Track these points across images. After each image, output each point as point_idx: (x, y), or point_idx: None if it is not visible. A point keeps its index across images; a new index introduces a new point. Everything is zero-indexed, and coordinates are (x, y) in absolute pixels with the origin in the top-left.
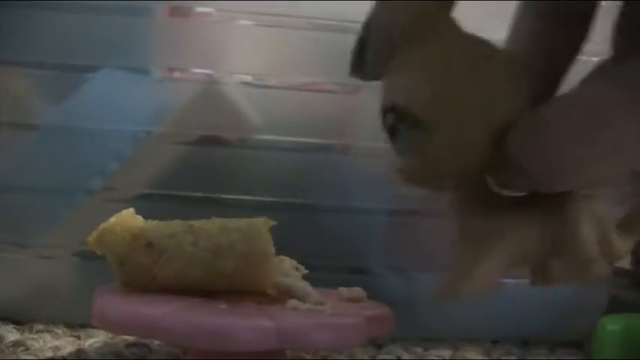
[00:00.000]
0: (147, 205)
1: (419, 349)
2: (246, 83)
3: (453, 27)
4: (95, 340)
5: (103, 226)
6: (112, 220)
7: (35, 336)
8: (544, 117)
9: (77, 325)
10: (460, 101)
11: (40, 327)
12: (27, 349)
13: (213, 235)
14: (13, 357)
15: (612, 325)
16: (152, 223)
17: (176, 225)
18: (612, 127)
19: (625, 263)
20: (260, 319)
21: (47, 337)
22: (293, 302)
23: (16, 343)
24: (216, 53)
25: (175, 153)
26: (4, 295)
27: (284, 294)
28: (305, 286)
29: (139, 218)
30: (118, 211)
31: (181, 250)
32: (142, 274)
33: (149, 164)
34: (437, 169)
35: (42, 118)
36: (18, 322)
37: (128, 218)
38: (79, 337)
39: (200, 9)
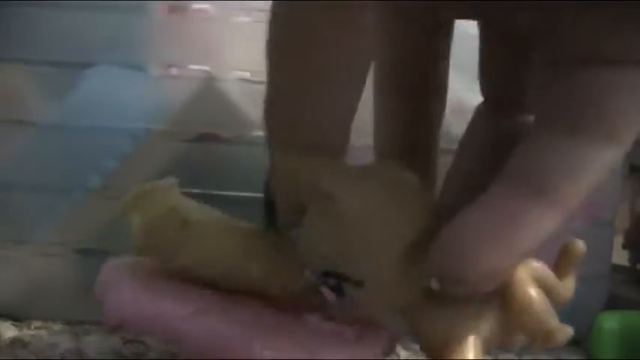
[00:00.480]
0: None
1: (416, 347)
2: (244, 80)
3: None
4: (93, 337)
5: (140, 189)
6: (151, 187)
7: (33, 333)
8: (461, 228)
9: (75, 322)
10: (379, 244)
11: (38, 324)
12: (25, 346)
13: (247, 236)
14: (11, 354)
15: (610, 323)
16: (191, 202)
17: (216, 214)
18: (524, 225)
19: (623, 260)
20: (286, 340)
21: (45, 334)
22: (312, 318)
23: (14, 340)
24: (214, 50)
25: (174, 150)
26: (2, 293)
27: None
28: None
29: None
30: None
31: (217, 240)
32: (163, 251)
33: (147, 162)
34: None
35: (39, 115)
36: (16, 319)
37: (167, 189)
38: (77, 335)
39: (197, 6)
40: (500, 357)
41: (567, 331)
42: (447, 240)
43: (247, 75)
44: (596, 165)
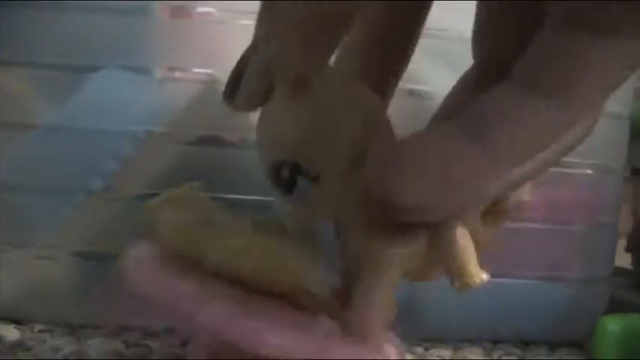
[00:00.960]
0: None
1: (419, 349)
2: None
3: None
4: (96, 340)
5: (170, 193)
6: (180, 191)
7: (35, 336)
8: (403, 151)
9: (77, 325)
10: (338, 143)
11: (41, 327)
12: (27, 349)
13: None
14: (13, 357)
15: (612, 326)
16: (217, 204)
17: (240, 220)
18: (463, 164)
19: (626, 263)
20: (297, 332)
21: (47, 337)
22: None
23: (16, 344)
24: (217, 53)
25: (176, 153)
26: (4, 295)
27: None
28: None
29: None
30: (118, 211)
31: (243, 239)
32: (193, 251)
33: (150, 164)
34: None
35: (42, 118)
36: (18, 322)
37: (195, 191)
38: (79, 337)
39: (201, 9)
40: (503, 359)
41: (483, 277)
42: (381, 153)
43: None
44: (542, 125)
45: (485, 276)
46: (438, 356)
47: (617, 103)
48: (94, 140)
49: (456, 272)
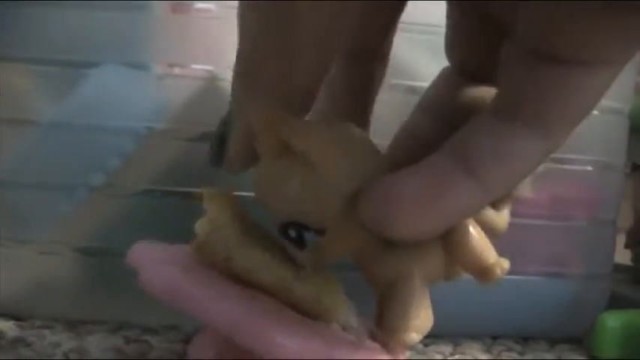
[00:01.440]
0: (148, 201)
1: (419, 345)
2: None
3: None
4: (96, 336)
5: (212, 190)
6: (219, 191)
7: (36, 332)
8: (389, 186)
9: (78, 321)
10: (335, 192)
11: (41, 323)
12: (27, 345)
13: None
14: (14, 353)
15: (612, 322)
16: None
17: (267, 231)
18: (457, 199)
19: (626, 260)
20: (306, 332)
21: (48, 333)
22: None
23: (17, 339)
24: (217, 49)
25: (177, 149)
26: (4, 291)
27: None
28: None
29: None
30: (119, 207)
31: (270, 252)
32: (219, 250)
33: (150, 160)
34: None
35: (43, 114)
36: (18, 318)
37: (231, 195)
38: (79, 334)
39: (201, 5)
40: (503, 356)
41: (504, 265)
42: (374, 193)
43: None
44: (526, 156)
45: (506, 264)
46: (437, 352)
47: (617, 100)
48: (94, 136)
49: (477, 269)
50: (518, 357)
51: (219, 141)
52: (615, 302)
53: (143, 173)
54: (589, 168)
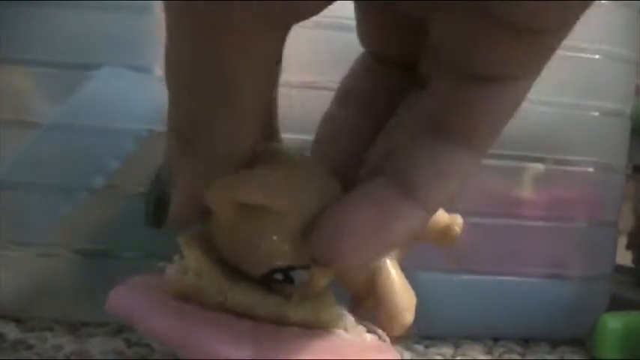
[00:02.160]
0: None
1: (420, 347)
2: None
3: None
4: (97, 338)
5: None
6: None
7: (36, 334)
8: (336, 220)
9: (78, 323)
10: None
11: (42, 325)
12: (28, 348)
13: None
14: (14, 355)
15: (613, 323)
16: None
17: None
18: (399, 221)
19: (627, 261)
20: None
21: (48, 335)
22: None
23: (17, 342)
24: None
25: None
26: (5, 293)
27: None
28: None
29: None
30: (119, 209)
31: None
32: (212, 294)
33: (151, 162)
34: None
35: (44, 116)
36: (19, 320)
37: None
38: (80, 336)
39: None
40: (504, 357)
41: (458, 221)
42: (322, 228)
43: None
44: (463, 171)
45: (459, 219)
46: (438, 354)
47: (618, 101)
48: (95, 138)
49: (437, 233)
50: (519, 358)
51: (158, 202)
52: (616, 304)
53: (143, 175)
54: (590, 169)
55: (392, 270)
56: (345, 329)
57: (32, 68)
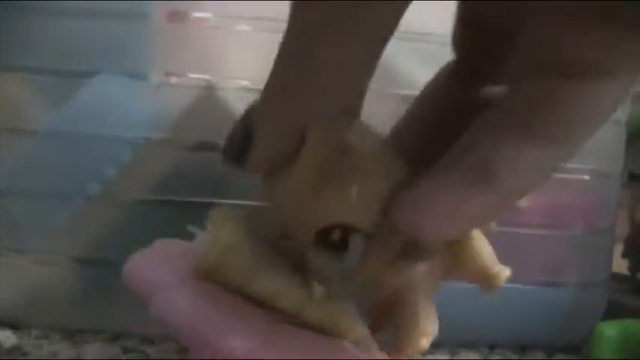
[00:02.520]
0: (145, 210)
1: (417, 354)
2: (244, 88)
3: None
4: (93, 345)
5: (221, 211)
6: (228, 212)
7: (33, 341)
8: (419, 196)
9: (75, 330)
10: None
11: (38, 332)
12: (25, 355)
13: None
14: None
15: (610, 331)
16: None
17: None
18: (476, 206)
19: (623, 269)
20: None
21: (45, 342)
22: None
23: (14, 349)
24: (214, 58)
25: (173, 158)
26: (2, 300)
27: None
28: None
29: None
30: (116, 216)
31: (283, 279)
32: (232, 278)
33: (147, 170)
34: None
35: (40, 123)
36: (16, 327)
37: (239, 216)
38: (76, 343)
39: (198, 14)
40: (507, 356)
41: (506, 273)
42: (406, 202)
43: (247, 83)
44: (540, 166)
45: (507, 272)
46: None
47: None
48: (92, 146)
49: (481, 276)
50: (519, 358)
51: (244, 141)
52: (613, 311)
53: (140, 182)
54: (586, 177)
55: (422, 294)
56: (357, 343)
57: (29, 76)
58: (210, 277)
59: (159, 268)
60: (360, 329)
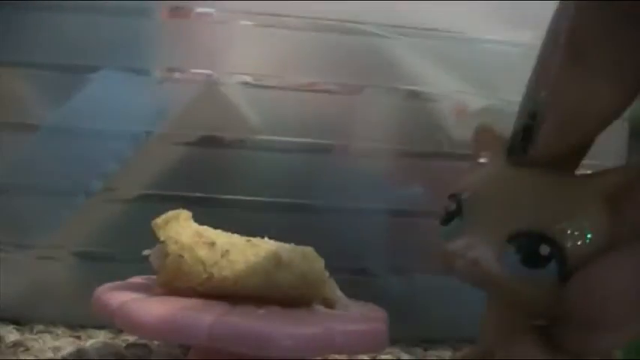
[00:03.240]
0: (147, 206)
1: (418, 350)
2: (246, 84)
3: None
4: (95, 340)
5: (169, 213)
6: (174, 213)
7: (35, 336)
8: (597, 276)
9: (77, 325)
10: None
11: (40, 327)
12: (27, 350)
13: (272, 249)
14: (14, 357)
15: None
16: (212, 229)
17: (234, 236)
18: None
19: None
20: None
21: (47, 337)
22: (320, 307)
23: (16, 344)
24: (216, 54)
25: (176, 153)
26: (4, 296)
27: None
28: (342, 298)
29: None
30: (118, 212)
31: (244, 256)
32: (198, 272)
33: (149, 165)
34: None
35: (42, 119)
36: (18, 322)
37: (188, 217)
38: (79, 338)
39: (200, 9)
40: None
41: None
42: (590, 285)
43: (249, 79)
44: None
45: None
46: (437, 356)
47: None
48: (93, 141)
49: None
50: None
51: (527, 131)
52: None
53: (142, 178)
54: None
55: None
56: (332, 300)
57: (31, 71)
58: (173, 285)
59: (126, 291)
60: (329, 284)
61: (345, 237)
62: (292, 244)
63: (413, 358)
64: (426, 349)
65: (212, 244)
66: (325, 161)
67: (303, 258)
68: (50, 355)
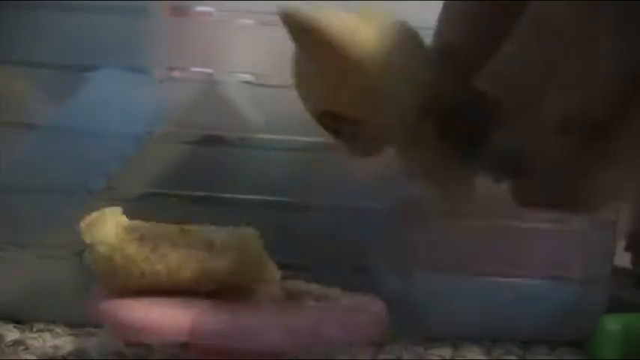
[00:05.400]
0: (149, 204)
1: (419, 349)
2: (247, 82)
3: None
4: (96, 339)
5: (94, 214)
6: (99, 213)
7: (36, 335)
8: (508, 51)
9: (77, 324)
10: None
11: (41, 326)
12: (27, 348)
13: (206, 236)
14: (14, 356)
15: (612, 325)
16: (142, 222)
17: (167, 226)
18: (574, 46)
19: (626, 263)
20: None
21: (47, 336)
22: (309, 301)
23: (17, 343)
24: (217, 52)
25: (177, 152)
26: (4, 295)
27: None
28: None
29: (124, 217)
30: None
31: (175, 247)
32: (130, 270)
33: (150, 164)
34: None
35: (43, 118)
36: (18, 321)
37: (116, 214)
38: (79, 336)
39: (200, 8)
40: (503, 358)
41: None
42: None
43: (250, 78)
44: None
45: None
46: (437, 355)
47: None
48: (95, 140)
49: None
50: (518, 358)
51: None
52: (615, 305)
53: (143, 177)
54: None
55: None
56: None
57: (32, 70)
58: (119, 285)
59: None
60: (266, 263)
61: (345, 236)
62: (231, 227)
63: (414, 356)
64: (426, 348)
65: (141, 239)
66: (325, 160)
67: (240, 241)
68: (50, 353)
